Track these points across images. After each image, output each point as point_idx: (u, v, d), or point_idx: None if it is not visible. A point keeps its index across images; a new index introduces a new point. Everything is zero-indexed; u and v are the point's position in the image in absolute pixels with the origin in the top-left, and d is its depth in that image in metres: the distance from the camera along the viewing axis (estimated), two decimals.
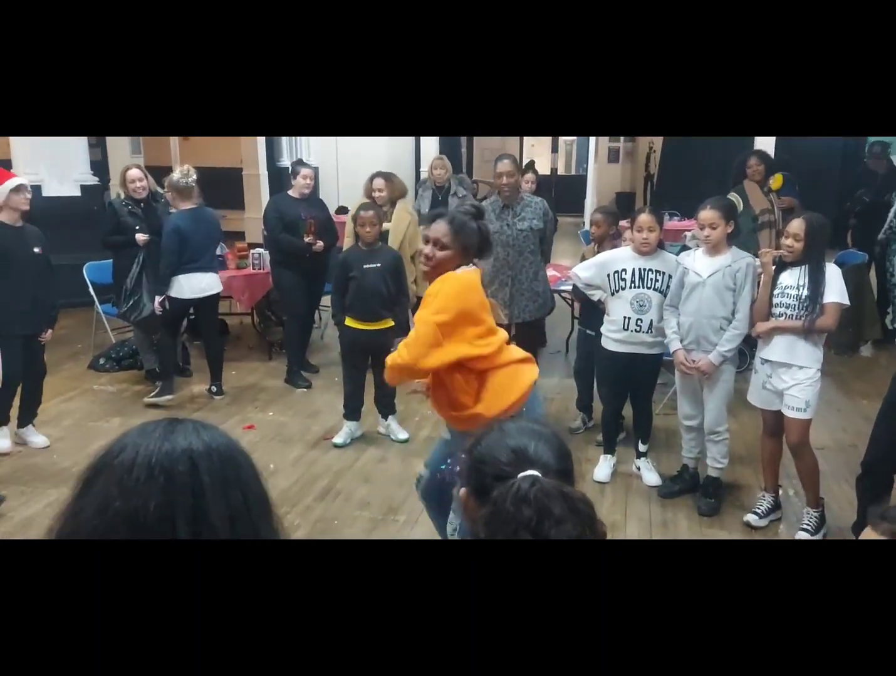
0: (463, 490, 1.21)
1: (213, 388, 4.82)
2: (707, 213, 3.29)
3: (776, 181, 5.39)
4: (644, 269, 3.54)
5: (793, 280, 3.12)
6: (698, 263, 3.38)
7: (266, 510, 0.95)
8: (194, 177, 4.54)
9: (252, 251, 5.64)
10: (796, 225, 3.08)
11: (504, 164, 4.13)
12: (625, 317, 3.57)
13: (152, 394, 4.63)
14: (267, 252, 5.36)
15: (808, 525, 3.21)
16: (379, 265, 3.99)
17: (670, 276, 3.51)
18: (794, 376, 3.12)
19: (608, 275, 3.59)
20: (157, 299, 4.52)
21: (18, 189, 3.72)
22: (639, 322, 3.56)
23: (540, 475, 1.09)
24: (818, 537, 3.20)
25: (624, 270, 3.57)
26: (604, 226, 4.09)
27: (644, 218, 3.51)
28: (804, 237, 3.04)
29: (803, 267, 3.09)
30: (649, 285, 3.54)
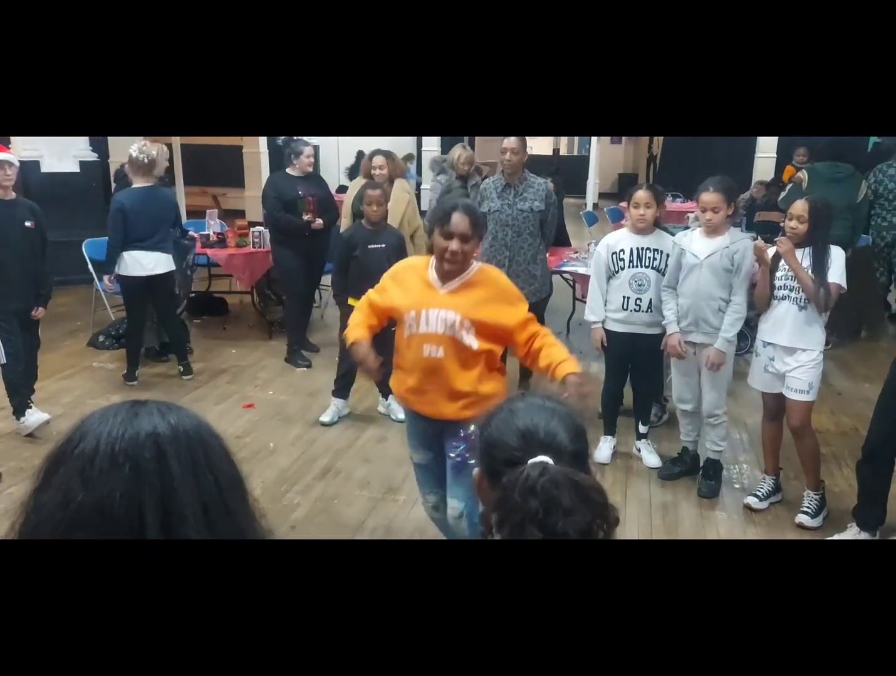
0: (477, 470, 1.18)
1: (181, 369, 4.78)
2: (709, 196, 3.25)
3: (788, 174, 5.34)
4: (642, 248, 3.52)
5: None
6: (696, 244, 3.35)
7: (240, 492, 0.90)
8: (154, 154, 4.43)
9: (252, 229, 5.60)
10: (800, 206, 3.07)
11: (510, 140, 4.07)
12: (624, 297, 3.55)
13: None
14: (267, 230, 5.33)
15: (808, 507, 3.21)
16: (383, 245, 3.95)
17: (668, 255, 3.48)
18: (797, 359, 3.11)
19: (609, 257, 3.56)
20: (105, 278, 4.54)
21: (1, 165, 3.68)
22: (638, 301, 3.54)
23: (551, 461, 1.05)
24: (818, 520, 3.20)
25: (622, 250, 3.54)
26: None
27: (641, 194, 3.49)
28: (808, 218, 3.03)
29: (807, 249, 3.07)
30: (647, 264, 3.52)
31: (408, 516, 3.24)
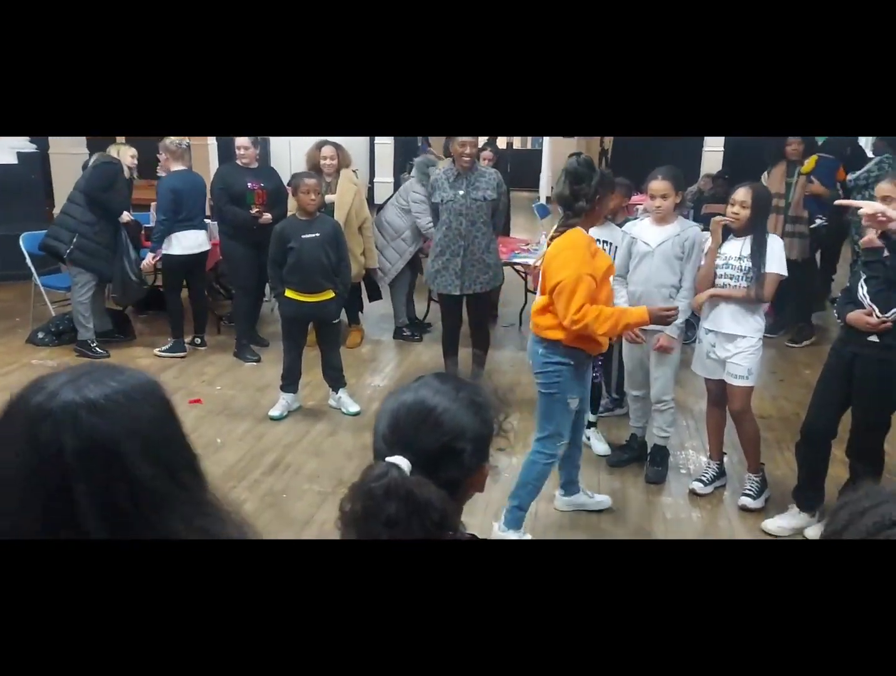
0: None
1: (198, 340, 5.15)
2: (658, 184, 3.30)
3: (808, 164, 5.19)
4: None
5: (736, 250, 3.17)
6: (647, 233, 3.40)
7: (183, 455, 0.91)
8: (188, 141, 4.88)
9: (202, 221, 5.47)
10: (742, 193, 3.13)
11: (471, 137, 4.07)
12: None
13: (163, 348, 4.99)
14: (214, 223, 5.23)
15: (749, 490, 3.29)
16: (318, 235, 3.91)
17: (617, 247, 3.52)
18: (736, 345, 3.17)
19: None
20: (150, 256, 4.81)
21: None
22: None
23: (404, 464, 1.00)
24: (760, 501, 3.28)
25: None
26: (617, 197, 4.03)
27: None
28: (750, 205, 3.09)
29: (747, 238, 3.13)
30: None
31: None
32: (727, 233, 3.22)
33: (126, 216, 4.88)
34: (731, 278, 3.17)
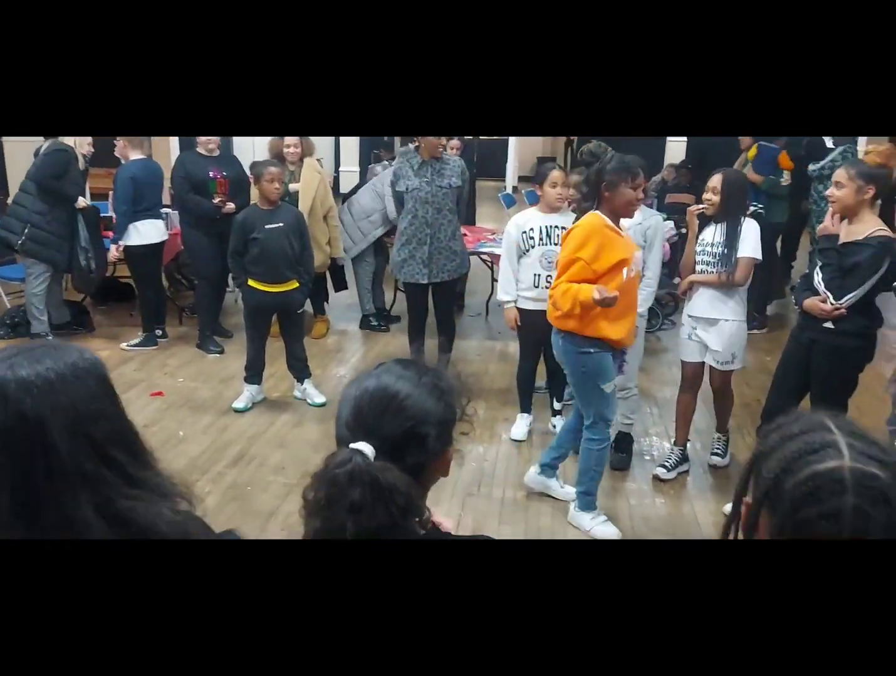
0: None
1: (159, 331, 5.03)
2: None
3: (751, 152, 5.35)
4: (550, 226, 3.57)
5: (711, 236, 3.24)
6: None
7: (116, 433, 0.94)
8: None
9: (160, 211, 5.37)
10: (714, 179, 3.20)
11: None
12: (535, 275, 3.60)
13: (132, 342, 4.90)
14: (176, 212, 5.13)
15: (718, 449, 3.55)
16: (281, 225, 3.87)
17: None
18: (719, 330, 3.22)
19: (519, 236, 3.60)
20: (113, 247, 4.68)
21: None
22: (549, 278, 3.58)
23: (368, 450, 0.99)
24: (727, 459, 3.54)
25: (532, 229, 3.58)
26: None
27: (557, 173, 3.54)
28: (720, 191, 3.14)
29: (721, 223, 3.19)
30: (556, 242, 3.57)
31: None
32: (706, 220, 3.28)
33: (82, 201, 4.77)
34: (707, 264, 3.24)
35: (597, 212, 2.76)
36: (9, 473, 0.86)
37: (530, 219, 3.61)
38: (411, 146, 4.49)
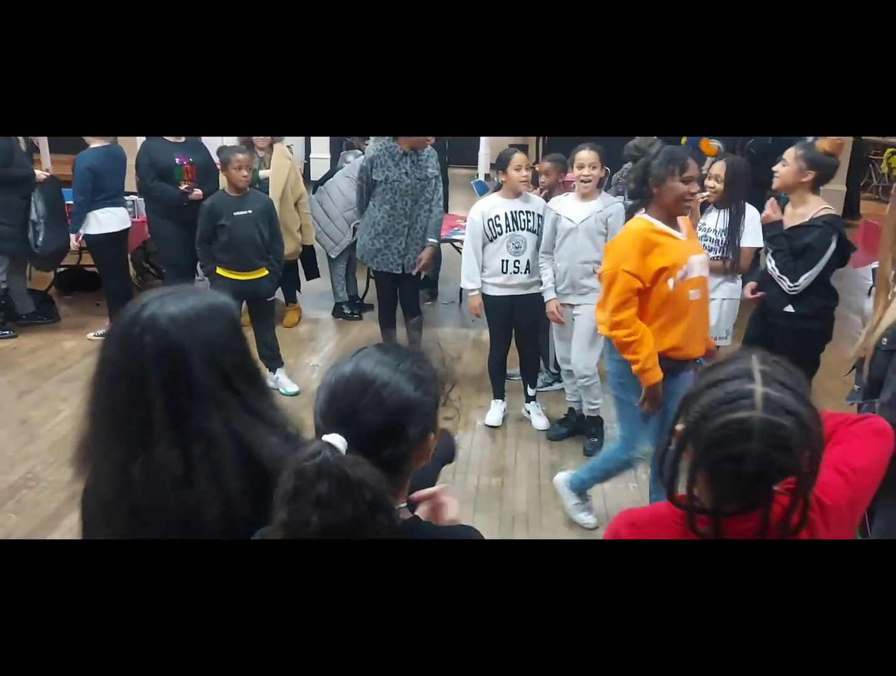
0: None
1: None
2: (587, 154, 3.34)
3: (710, 149, 5.35)
4: (516, 212, 3.57)
5: (713, 222, 3.28)
6: (570, 209, 3.44)
7: (241, 367, 1.14)
8: None
9: (126, 198, 5.25)
10: (718, 166, 3.26)
11: None
12: (503, 261, 3.60)
13: (99, 332, 4.69)
14: (141, 199, 5.02)
15: None
16: (250, 212, 3.81)
17: (540, 216, 3.57)
18: (714, 309, 3.21)
19: (485, 224, 3.58)
20: (73, 236, 4.55)
21: None
22: (516, 263, 3.60)
23: (339, 442, 0.96)
24: None
25: (497, 216, 3.57)
26: (553, 173, 4.01)
27: (519, 156, 3.54)
28: (724, 178, 3.18)
29: (724, 210, 3.23)
30: (522, 226, 3.58)
31: None
32: (707, 205, 3.32)
33: (41, 175, 4.65)
34: (709, 250, 3.25)
35: (643, 216, 2.53)
36: (161, 389, 1.07)
37: (495, 206, 3.60)
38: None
